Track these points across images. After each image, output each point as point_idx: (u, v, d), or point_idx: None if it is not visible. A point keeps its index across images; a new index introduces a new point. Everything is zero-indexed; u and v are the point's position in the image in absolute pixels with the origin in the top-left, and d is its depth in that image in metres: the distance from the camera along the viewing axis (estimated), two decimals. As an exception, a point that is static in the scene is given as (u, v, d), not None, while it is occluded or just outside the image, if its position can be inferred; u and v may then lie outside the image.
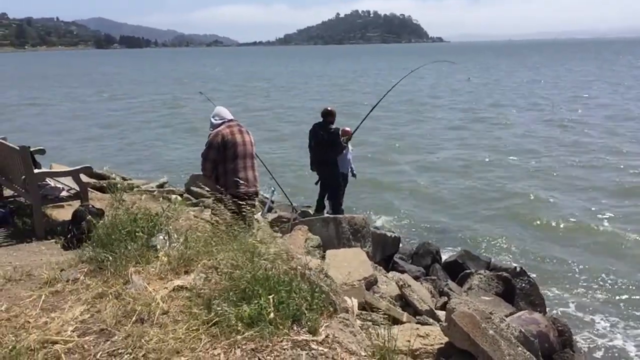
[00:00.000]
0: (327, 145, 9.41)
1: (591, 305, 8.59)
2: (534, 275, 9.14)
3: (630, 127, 24.05)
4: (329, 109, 9.66)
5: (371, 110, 10.84)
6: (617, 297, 8.79)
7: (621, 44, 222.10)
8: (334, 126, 9.53)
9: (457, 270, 9.10)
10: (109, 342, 3.08)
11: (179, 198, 10.40)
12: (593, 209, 13.06)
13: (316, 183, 10.15)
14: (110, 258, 3.99)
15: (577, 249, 10.74)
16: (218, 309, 3.20)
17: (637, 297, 8.82)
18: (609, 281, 9.35)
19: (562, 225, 12.01)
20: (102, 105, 37.54)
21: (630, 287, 9.14)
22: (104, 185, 9.11)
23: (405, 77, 12.01)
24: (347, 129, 10.24)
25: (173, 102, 39.16)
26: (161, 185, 11.73)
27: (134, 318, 3.30)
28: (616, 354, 7.27)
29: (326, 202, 10.09)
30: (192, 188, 11.22)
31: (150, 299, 3.47)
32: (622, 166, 16.92)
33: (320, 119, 9.65)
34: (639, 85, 43.09)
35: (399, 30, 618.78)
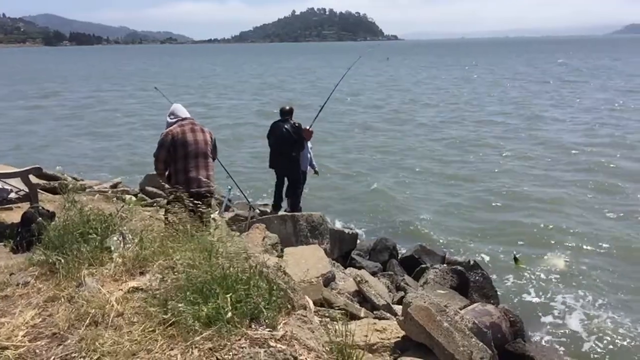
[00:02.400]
0: (292, 140, 9.41)
1: (542, 295, 8.87)
2: (488, 268, 9.41)
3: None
4: (287, 107, 9.74)
5: (320, 111, 10.99)
6: (568, 286, 9.11)
7: (560, 43, 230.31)
8: (295, 122, 9.56)
9: (413, 265, 9.27)
10: (61, 347, 3.01)
11: (134, 198, 10.23)
12: (551, 204, 13.47)
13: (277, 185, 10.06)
14: (62, 260, 3.88)
15: (528, 241, 11.07)
16: (175, 309, 3.17)
17: (587, 284, 9.17)
18: (559, 271, 9.67)
19: (513, 219, 12.35)
20: (51, 103, 36.41)
21: (579, 275, 9.49)
22: (55, 186, 8.86)
23: (344, 77, 12.09)
24: (309, 127, 10.30)
25: (122, 99, 38.44)
26: (115, 186, 11.50)
27: (87, 321, 3.22)
28: (567, 342, 7.52)
29: (284, 200, 10.10)
30: (147, 188, 11.06)
31: (104, 301, 3.40)
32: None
33: (278, 118, 9.66)
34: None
35: (355, 28, 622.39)
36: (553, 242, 11.00)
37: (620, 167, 16.47)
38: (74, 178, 12.05)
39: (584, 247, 10.67)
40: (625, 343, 7.46)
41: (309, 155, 10.29)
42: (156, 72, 74.62)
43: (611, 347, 7.38)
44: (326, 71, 69.85)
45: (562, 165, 17.11)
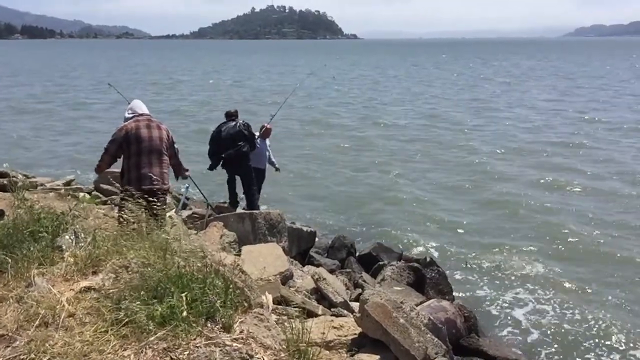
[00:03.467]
0: (242, 136, 9.36)
1: (495, 290, 9.10)
2: (443, 265, 9.58)
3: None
4: (232, 110, 9.81)
5: (277, 111, 11.12)
6: (520, 282, 9.36)
7: (511, 44, 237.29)
8: (243, 121, 9.55)
9: (371, 262, 9.36)
10: (9, 348, 2.92)
11: (88, 196, 9.99)
12: (501, 198, 13.83)
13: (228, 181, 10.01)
14: (10, 260, 3.76)
15: (482, 238, 11.33)
16: (128, 309, 3.12)
17: (538, 279, 9.45)
18: (512, 267, 9.92)
19: (470, 217, 12.62)
20: None
21: (531, 271, 9.77)
22: (5, 183, 8.58)
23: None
24: (268, 125, 10.34)
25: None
26: (68, 183, 11.20)
27: (37, 322, 3.14)
28: (518, 335, 7.74)
29: (242, 197, 10.06)
30: (101, 185, 10.79)
31: (54, 302, 3.32)
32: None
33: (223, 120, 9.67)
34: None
35: (314, 26, 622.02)
36: (506, 238, 11.30)
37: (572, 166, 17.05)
38: (24, 175, 11.67)
39: (537, 243, 10.99)
40: (573, 336, 7.72)
41: (267, 153, 10.30)
42: (110, 67, 72.86)
43: (560, 339, 7.63)
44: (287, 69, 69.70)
45: (509, 162, 17.60)
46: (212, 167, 9.72)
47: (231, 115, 9.65)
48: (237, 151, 9.33)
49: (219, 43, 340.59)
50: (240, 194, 10.04)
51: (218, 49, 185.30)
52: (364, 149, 20.10)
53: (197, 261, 3.60)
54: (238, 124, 9.39)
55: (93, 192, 10.78)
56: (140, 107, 6.11)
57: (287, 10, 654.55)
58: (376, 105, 32.65)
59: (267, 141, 10.42)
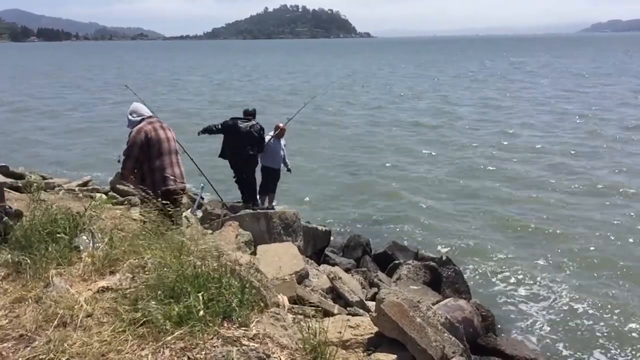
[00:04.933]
0: (253, 139, 9.50)
1: (513, 289, 9.02)
2: (460, 264, 9.51)
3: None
4: (251, 109, 9.94)
5: (295, 114, 11.23)
6: (538, 279, 9.27)
7: (523, 41, 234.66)
8: (258, 123, 9.68)
9: (386, 261, 9.33)
10: (29, 348, 2.94)
11: (104, 197, 10.07)
12: (514, 197, 13.70)
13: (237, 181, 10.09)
14: (29, 261, 3.79)
15: (500, 236, 11.24)
16: (145, 308, 3.13)
17: (557, 276, 9.36)
18: (530, 265, 9.83)
19: (485, 214, 12.52)
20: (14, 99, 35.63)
21: (550, 269, 9.67)
22: (20, 185, 8.69)
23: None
24: (282, 125, 10.40)
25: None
26: (84, 184, 11.34)
27: (55, 322, 3.15)
28: (537, 335, 7.67)
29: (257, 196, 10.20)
30: (117, 186, 10.89)
31: (73, 302, 3.33)
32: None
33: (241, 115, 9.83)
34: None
35: (328, 25, 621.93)
36: (524, 237, 11.20)
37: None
38: (42, 176, 11.81)
39: (555, 242, 10.87)
40: (591, 334, 7.64)
41: (282, 153, 10.34)
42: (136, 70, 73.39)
43: (579, 338, 7.56)
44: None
45: (526, 163, 17.42)
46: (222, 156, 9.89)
47: (248, 114, 9.73)
48: (244, 153, 9.51)
49: (231, 43, 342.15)
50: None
51: (232, 49, 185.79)
52: (378, 149, 20.06)
53: (213, 261, 3.59)
54: (248, 127, 9.47)
55: (110, 193, 10.89)
56: (145, 109, 6.10)
57: (300, 10, 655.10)
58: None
59: (282, 141, 10.45)
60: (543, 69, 60.95)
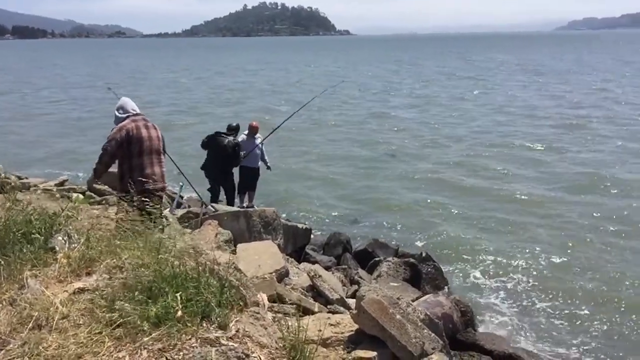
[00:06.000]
0: (228, 156, 9.86)
1: (492, 284, 9.14)
2: (440, 259, 9.59)
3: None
4: (234, 124, 10.23)
5: (285, 121, 11.21)
6: (518, 274, 9.41)
7: (501, 38, 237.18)
8: (237, 139, 10.05)
9: (367, 259, 9.37)
10: (3, 351, 2.88)
11: (81, 196, 9.94)
12: (492, 191, 13.84)
13: (209, 189, 10.43)
14: (2, 262, 3.72)
15: (479, 232, 11.36)
16: (122, 309, 3.09)
17: (537, 271, 9.51)
18: (510, 260, 9.96)
19: (464, 210, 12.63)
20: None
21: (529, 263, 9.80)
22: (-4, 184, 8.51)
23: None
24: (254, 123, 10.46)
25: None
26: (61, 184, 11.17)
27: (30, 324, 3.09)
28: (515, 329, 7.78)
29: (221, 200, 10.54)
30: (94, 186, 10.71)
31: (48, 304, 3.27)
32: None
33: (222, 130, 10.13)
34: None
35: (307, 23, 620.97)
36: (504, 232, 11.34)
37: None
38: (17, 177, 11.62)
39: (536, 236, 11.03)
40: (569, 329, 7.78)
41: (258, 152, 10.38)
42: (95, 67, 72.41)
43: (556, 333, 7.67)
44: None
45: (496, 155, 17.62)
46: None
47: (230, 130, 10.07)
48: (222, 169, 9.92)
49: (209, 40, 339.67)
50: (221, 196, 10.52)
51: (209, 46, 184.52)
52: (366, 145, 20.11)
53: (190, 260, 3.56)
54: (224, 143, 9.79)
55: (87, 193, 10.73)
56: (132, 106, 6.00)
57: (279, 7, 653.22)
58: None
59: (258, 139, 10.47)
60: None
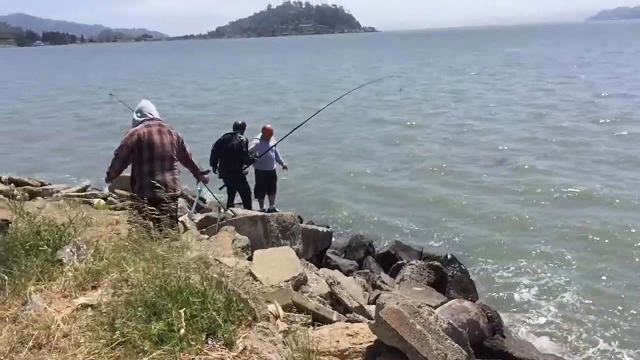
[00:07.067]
0: (237, 155, 9.72)
1: (520, 288, 8.80)
2: (466, 262, 9.30)
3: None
4: (239, 122, 10.11)
5: (304, 122, 11.20)
6: (549, 278, 9.03)
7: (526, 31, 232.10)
8: (243, 137, 9.85)
9: (390, 262, 9.14)
10: (0, 373, 2.79)
11: (102, 202, 9.93)
12: (522, 192, 13.43)
13: (220, 188, 10.49)
14: (6, 277, 3.62)
15: (508, 234, 10.96)
16: (123, 328, 2.95)
17: (570, 274, 9.13)
18: (539, 263, 9.57)
19: (490, 211, 12.27)
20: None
21: (559, 267, 9.43)
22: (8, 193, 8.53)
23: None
24: (268, 126, 10.38)
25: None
26: (83, 189, 11.19)
27: (30, 343, 3.00)
28: (546, 336, 7.46)
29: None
30: (116, 190, 10.74)
31: (49, 321, 3.17)
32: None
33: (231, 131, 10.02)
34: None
35: (332, 21, 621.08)
36: (533, 233, 10.93)
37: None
38: (41, 182, 11.70)
39: (568, 239, 10.54)
40: (604, 336, 7.41)
41: (272, 154, 10.27)
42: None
43: (591, 340, 7.33)
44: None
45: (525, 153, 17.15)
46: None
47: (236, 128, 9.97)
48: (234, 170, 9.82)
49: (234, 42, 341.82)
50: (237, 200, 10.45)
51: (233, 48, 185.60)
52: (386, 146, 19.84)
53: (196, 273, 3.41)
54: (232, 143, 9.69)
55: (108, 198, 10.74)
56: (151, 109, 5.90)
57: (303, 6, 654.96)
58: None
59: (272, 141, 10.36)
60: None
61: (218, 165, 9.86)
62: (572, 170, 15.02)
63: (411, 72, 51.71)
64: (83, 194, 10.48)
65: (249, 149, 9.94)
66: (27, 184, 11.20)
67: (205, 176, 6.62)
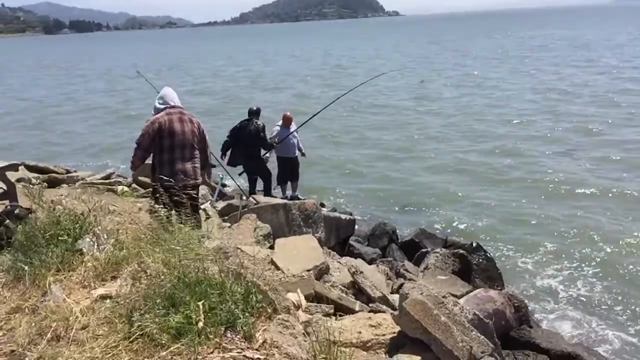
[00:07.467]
0: (256, 140, 9.67)
1: (548, 277, 8.61)
2: (492, 250, 9.12)
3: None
4: (254, 108, 10.04)
5: (323, 109, 11.17)
6: (577, 266, 8.85)
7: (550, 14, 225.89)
8: (260, 122, 9.78)
9: (414, 250, 9.00)
10: (18, 366, 2.77)
11: (126, 189, 9.96)
12: (546, 182, 13.10)
13: (240, 174, 10.46)
14: (27, 268, 3.61)
15: (534, 223, 10.73)
16: (141, 320, 2.90)
17: (598, 263, 8.93)
18: (567, 252, 9.36)
19: (518, 199, 12.02)
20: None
21: (587, 255, 9.20)
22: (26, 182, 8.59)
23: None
24: (288, 114, 10.33)
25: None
26: (107, 177, 11.23)
27: (49, 335, 2.97)
28: (574, 326, 7.29)
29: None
30: (139, 178, 10.75)
31: (68, 313, 3.14)
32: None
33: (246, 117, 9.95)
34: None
35: (355, 5, 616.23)
36: (560, 222, 10.66)
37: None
38: (66, 170, 11.78)
39: (595, 227, 10.29)
40: (633, 326, 7.21)
41: (294, 140, 10.22)
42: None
43: (620, 330, 7.14)
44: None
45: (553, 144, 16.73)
46: (230, 164, 10.06)
47: (251, 114, 9.89)
48: (253, 156, 9.76)
49: (257, 28, 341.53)
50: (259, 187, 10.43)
51: (254, 34, 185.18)
52: (406, 132, 19.59)
53: (214, 265, 3.35)
54: (249, 129, 9.62)
55: (132, 185, 10.78)
56: (172, 97, 5.85)
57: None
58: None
59: (293, 127, 10.33)
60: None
61: (234, 152, 9.83)
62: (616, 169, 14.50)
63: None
64: (107, 181, 10.51)
65: (271, 135, 9.88)
66: (53, 171, 11.28)
67: (212, 167, 6.58)
